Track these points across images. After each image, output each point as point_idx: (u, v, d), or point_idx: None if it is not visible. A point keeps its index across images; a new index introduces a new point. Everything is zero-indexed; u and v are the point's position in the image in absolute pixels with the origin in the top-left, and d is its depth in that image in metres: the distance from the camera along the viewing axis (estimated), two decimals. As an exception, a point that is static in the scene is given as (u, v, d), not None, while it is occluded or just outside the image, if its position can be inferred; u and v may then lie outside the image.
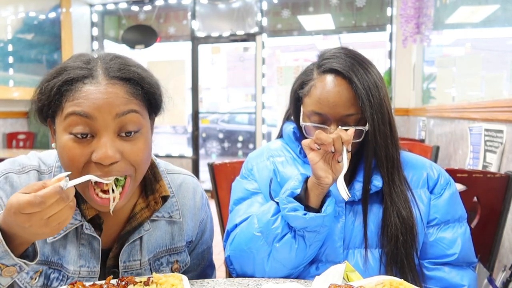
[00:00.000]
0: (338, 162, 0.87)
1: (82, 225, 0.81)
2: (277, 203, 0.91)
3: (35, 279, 0.79)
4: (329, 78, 0.92)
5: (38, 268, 0.79)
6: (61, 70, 0.74)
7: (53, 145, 0.79)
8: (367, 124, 0.91)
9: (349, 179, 0.97)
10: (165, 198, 0.88)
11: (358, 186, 0.95)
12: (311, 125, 0.94)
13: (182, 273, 0.94)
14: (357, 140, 0.92)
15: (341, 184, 0.86)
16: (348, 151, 0.88)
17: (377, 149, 0.92)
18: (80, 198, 0.80)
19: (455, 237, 0.94)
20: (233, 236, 0.98)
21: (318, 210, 0.89)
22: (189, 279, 0.95)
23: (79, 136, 0.71)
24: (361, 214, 0.94)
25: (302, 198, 0.89)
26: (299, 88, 0.99)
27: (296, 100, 1.02)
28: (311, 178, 0.90)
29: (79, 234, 0.81)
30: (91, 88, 0.71)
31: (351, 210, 0.96)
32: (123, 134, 0.73)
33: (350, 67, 0.91)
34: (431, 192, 0.98)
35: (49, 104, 0.73)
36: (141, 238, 0.86)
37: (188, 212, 0.94)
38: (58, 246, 0.81)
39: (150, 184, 0.88)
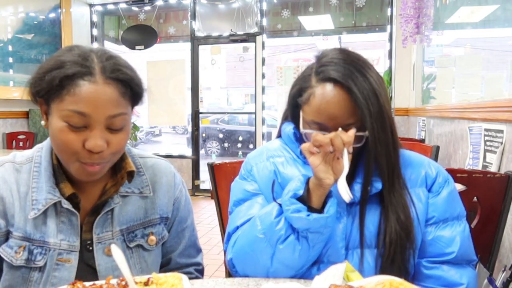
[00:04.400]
0: (338, 159, 0.87)
1: (60, 202, 0.89)
2: (280, 204, 0.91)
3: (19, 253, 0.87)
4: (328, 88, 0.91)
5: (22, 243, 0.88)
6: (60, 63, 0.82)
7: (42, 122, 0.89)
8: (367, 131, 0.90)
9: (349, 181, 0.96)
10: (131, 173, 0.95)
11: (357, 187, 0.94)
12: (311, 132, 0.93)
13: (162, 245, 1.02)
14: (358, 145, 0.91)
15: (342, 186, 0.85)
16: (349, 153, 0.87)
17: (378, 156, 0.91)
18: (59, 177, 0.90)
19: (453, 236, 0.93)
20: (234, 239, 0.97)
21: (320, 210, 0.89)
22: (173, 257, 1.06)
23: (74, 126, 0.82)
24: (359, 215, 0.94)
25: (304, 199, 0.89)
26: (298, 95, 0.98)
27: (295, 107, 1.01)
28: (312, 179, 0.89)
29: (58, 212, 0.90)
30: (90, 87, 0.81)
31: (350, 212, 0.96)
32: (111, 129, 0.85)
33: (349, 75, 0.90)
34: (429, 191, 0.98)
35: (47, 92, 0.83)
36: (112, 210, 0.94)
37: (160, 189, 1.02)
38: (39, 223, 0.89)
39: (118, 164, 0.96)
